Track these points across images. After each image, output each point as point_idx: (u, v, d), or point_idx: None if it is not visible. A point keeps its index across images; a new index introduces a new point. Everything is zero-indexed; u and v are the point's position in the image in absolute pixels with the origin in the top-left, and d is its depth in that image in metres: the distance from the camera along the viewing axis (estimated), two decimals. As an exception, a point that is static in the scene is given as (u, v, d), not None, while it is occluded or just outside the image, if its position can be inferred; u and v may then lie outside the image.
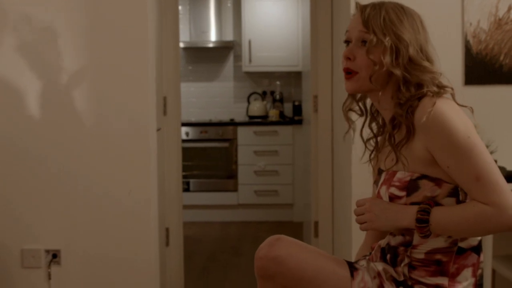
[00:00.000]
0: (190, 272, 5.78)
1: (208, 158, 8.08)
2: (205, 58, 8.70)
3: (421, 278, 2.27)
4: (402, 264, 2.29)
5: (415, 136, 2.21)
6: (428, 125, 2.15)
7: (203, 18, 8.34)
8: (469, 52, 4.33)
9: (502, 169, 3.91)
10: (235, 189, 8.08)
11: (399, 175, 2.25)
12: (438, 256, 2.25)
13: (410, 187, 2.22)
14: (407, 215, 2.21)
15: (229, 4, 8.62)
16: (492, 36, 4.33)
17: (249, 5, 8.19)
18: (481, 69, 4.34)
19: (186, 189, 7.85)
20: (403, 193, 2.23)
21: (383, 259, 2.39)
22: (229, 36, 8.64)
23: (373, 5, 2.31)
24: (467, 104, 2.46)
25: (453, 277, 2.24)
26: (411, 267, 2.28)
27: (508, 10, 4.31)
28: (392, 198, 2.26)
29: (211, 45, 8.39)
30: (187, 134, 7.96)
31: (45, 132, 4.12)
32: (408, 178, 2.23)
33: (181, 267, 5.21)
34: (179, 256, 5.19)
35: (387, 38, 2.24)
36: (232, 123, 8.15)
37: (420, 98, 2.23)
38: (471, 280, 2.26)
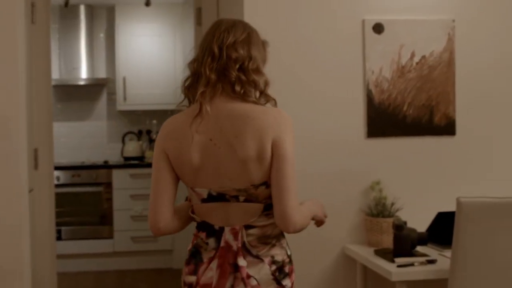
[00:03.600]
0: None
1: (80, 204, 7.74)
2: (76, 96, 8.35)
3: None
4: None
5: None
6: None
7: (73, 54, 8.05)
8: (371, 102, 4.14)
9: (412, 231, 3.72)
10: (110, 236, 7.76)
11: None
12: None
13: None
14: None
15: (102, 39, 8.33)
16: (395, 85, 4.16)
17: (123, 40, 7.96)
18: (384, 120, 4.17)
19: (58, 237, 7.29)
20: None
21: None
22: (101, 73, 8.33)
23: None
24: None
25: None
26: None
27: (411, 57, 4.15)
28: None
29: (82, 82, 8.10)
30: (57, 178, 7.53)
31: None
32: None
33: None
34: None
35: None
36: (106, 166, 7.86)
37: None
38: (190, 247, 2.64)
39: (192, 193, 2.58)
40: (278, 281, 2.52)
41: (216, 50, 2.54)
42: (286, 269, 2.57)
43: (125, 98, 7.94)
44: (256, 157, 2.46)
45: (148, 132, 8.31)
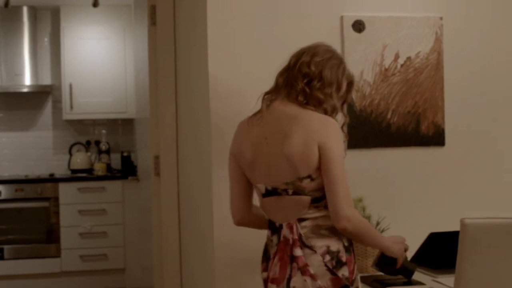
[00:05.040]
0: None
1: (25, 220, 7.45)
2: (19, 104, 8.04)
3: None
4: None
5: None
6: None
7: (16, 59, 7.74)
8: (351, 109, 3.85)
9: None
10: (57, 255, 7.46)
11: None
12: None
13: None
14: None
15: (46, 43, 8.02)
16: (377, 89, 3.89)
17: (70, 44, 7.69)
18: (366, 129, 3.90)
19: (0, 256, 7.30)
20: None
21: None
22: (46, 80, 8.01)
23: None
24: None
25: None
26: None
27: (396, 59, 3.91)
28: None
29: (25, 89, 7.79)
30: (-1, 193, 7.34)
31: None
32: None
33: None
34: None
35: None
36: (52, 179, 7.57)
37: None
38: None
39: (256, 190, 2.96)
40: (332, 272, 2.77)
41: (292, 62, 2.92)
42: (343, 259, 2.79)
43: (71, 107, 7.67)
44: (301, 154, 2.76)
45: (97, 142, 8.01)
